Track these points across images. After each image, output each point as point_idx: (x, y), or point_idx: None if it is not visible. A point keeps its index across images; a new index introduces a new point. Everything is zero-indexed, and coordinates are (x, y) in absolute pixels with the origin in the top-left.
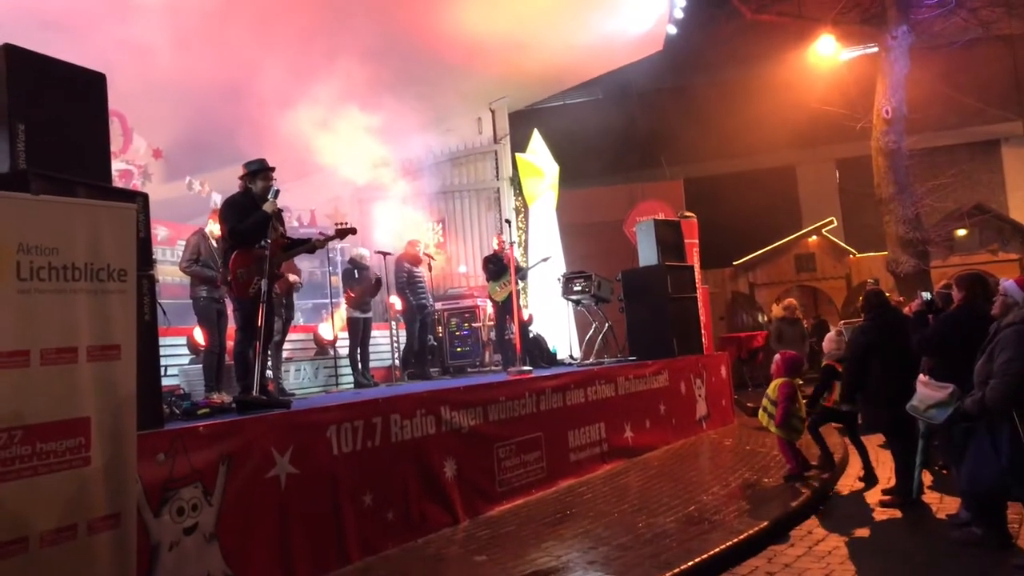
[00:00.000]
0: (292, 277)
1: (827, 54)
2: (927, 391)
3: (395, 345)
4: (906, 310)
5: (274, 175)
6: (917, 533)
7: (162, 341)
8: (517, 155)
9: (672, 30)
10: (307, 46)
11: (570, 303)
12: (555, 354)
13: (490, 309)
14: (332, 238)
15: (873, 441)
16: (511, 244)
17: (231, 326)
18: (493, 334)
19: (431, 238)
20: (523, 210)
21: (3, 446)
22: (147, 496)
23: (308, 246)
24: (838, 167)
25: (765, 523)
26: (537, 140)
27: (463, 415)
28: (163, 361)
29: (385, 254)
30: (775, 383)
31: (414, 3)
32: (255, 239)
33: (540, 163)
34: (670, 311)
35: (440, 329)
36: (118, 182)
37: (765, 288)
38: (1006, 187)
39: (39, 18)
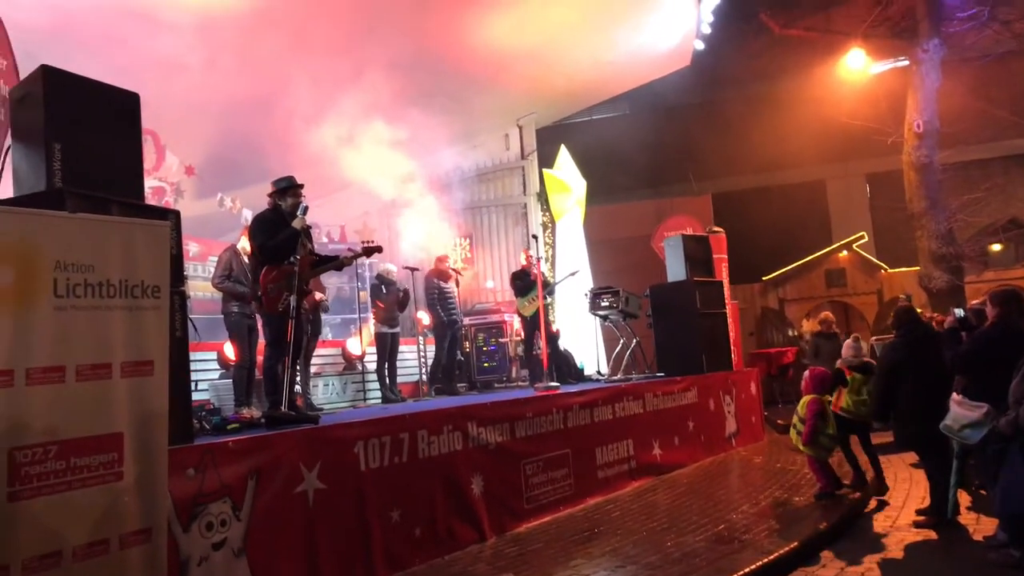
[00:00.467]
0: (318, 295)
1: (856, 68)
2: (961, 410)
3: (423, 360)
4: (935, 324)
5: (303, 191)
6: (952, 555)
7: (192, 356)
8: (544, 171)
9: (700, 45)
10: (336, 62)
11: (598, 319)
12: (583, 370)
13: (517, 324)
14: (359, 255)
15: (906, 460)
16: (538, 259)
17: (261, 341)
18: (521, 349)
19: (459, 253)
20: (550, 225)
21: (38, 461)
22: (177, 511)
23: (336, 263)
24: (869, 181)
25: (795, 543)
26: (564, 156)
27: (490, 431)
28: (193, 376)
29: (413, 269)
30: (804, 400)
31: (443, 19)
32: (285, 255)
33: (567, 179)
34: (699, 327)
35: (467, 344)
36: (151, 199)
37: (795, 303)
38: None
39: (75, 38)
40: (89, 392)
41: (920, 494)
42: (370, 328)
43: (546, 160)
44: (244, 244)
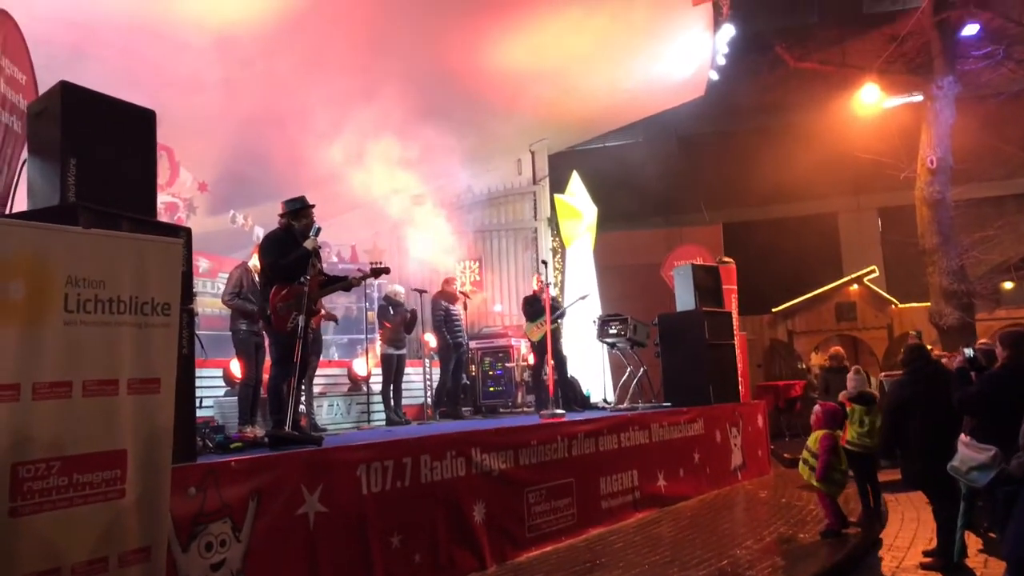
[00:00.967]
0: (324, 311)
1: (870, 102)
2: (969, 452)
3: (428, 383)
4: (944, 361)
5: (314, 211)
6: None
7: (198, 372)
8: (556, 196)
9: (715, 76)
10: (351, 82)
11: (605, 346)
12: (588, 397)
13: (524, 349)
14: (367, 276)
15: (914, 499)
16: (547, 285)
17: (267, 360)
18: (527, 374)
19: (468, 276)
20: (560, 251)
21: (41, 476)
22: (176, 530)
23: (344, 284)
24: (881, 216)
25: None
26: (576, 182)
27: (494, 458)
28: (198, 392)
29: (421, 291)
30: (816, 435)
31: (460, 42)
32: (295, 275)
33: (579, 205)
34: (707, 357)
35: (473, 368)
36: (164, 215)
37: (804, 336)
38: None
39: (94, 54)
40: (95, 408)
41: (927, 535)
42: (376, 349)
43: (558, 185)
44: (255, 262)
